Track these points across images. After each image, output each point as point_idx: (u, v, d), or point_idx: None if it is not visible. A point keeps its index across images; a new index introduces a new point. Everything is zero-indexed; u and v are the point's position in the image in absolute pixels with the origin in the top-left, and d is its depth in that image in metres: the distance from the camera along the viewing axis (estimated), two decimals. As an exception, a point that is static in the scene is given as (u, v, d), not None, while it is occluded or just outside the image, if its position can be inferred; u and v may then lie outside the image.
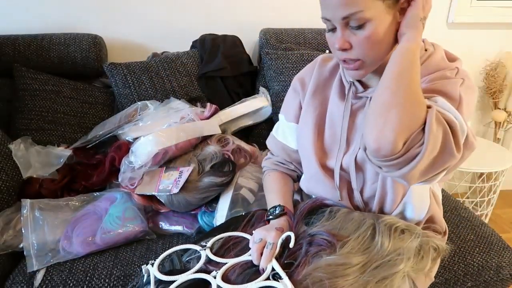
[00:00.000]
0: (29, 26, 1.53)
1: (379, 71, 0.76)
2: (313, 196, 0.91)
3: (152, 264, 0.76)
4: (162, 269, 0.77)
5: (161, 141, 1.09)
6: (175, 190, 1.03)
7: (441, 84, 0.69)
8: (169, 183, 1.06)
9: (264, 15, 1.70)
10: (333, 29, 0.71)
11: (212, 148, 1.15)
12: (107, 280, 0.95)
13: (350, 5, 0.65)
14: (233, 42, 1.59)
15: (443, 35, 1.89)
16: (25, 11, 1.53)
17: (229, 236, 0.83)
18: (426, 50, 0.77)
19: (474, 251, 1.05)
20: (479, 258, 1.04)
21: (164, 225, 1.13)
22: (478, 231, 1.11)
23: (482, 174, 1.82)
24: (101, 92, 1.50)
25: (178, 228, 1.12)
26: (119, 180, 1.11)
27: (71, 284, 0.93)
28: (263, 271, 0.70)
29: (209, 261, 0.76)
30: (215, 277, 0.71)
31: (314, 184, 0.89)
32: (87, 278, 0.95)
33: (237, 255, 0.76)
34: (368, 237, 0.73)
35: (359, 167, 0.81)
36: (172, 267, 0.78)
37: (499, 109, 1.97)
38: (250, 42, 1.71)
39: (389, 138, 0.61)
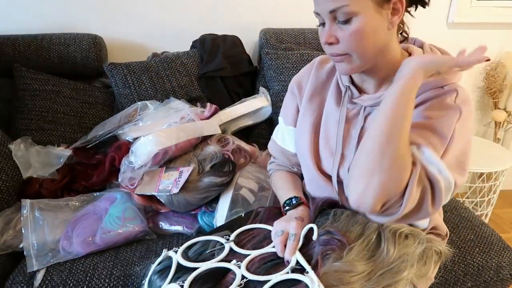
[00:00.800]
0: (29, 26, 1.53)
1: (373, 73, 0.76)
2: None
3: (176, 252, 0.76)
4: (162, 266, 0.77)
5: (161, 141, 1.09)
6: (175, 190, 1.03)
7: (436, 121, 0.69)
8: (169, 183, 1.06)
9: (264, 15, 1.70)
10: (323, 24, 0.71)
11: (212, 148, 1.15)
12: (107, 280, 0.95)
13: None
14: (233, 42, 1.59)
15: (443, 35, 1.88)
16: (25, 11, 1.53)
17: (246, 230, 0.83)
18: None
19: (474, 251, 1.05)
20: (479, 258, 1.04)
21: (164, 225, 1.13)
22: (478, 231, 1.11)
23: (482, 174, 1.82)
24: (101, 92, 1.50)
25: (178, 228, 1.12)
26: (119, 180, 1.11)
27: (71, 284, 0.93)
28: (288, 263, 0.71)
29: (228, 252, 0.77)
30: (239, 267, 0.71)
31: (315, 188, 0.89)
32: (87, 278, 0.95)
33: (254, 248, 0.76)
34: (373, 242, 0.73)
35: None
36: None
37: (499, 109, 1.97)
38: (250, 42, 1.71)
39: (369, 203, 0.66)
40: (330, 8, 0.67)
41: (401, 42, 0.78)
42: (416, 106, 0.72)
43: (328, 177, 0.84)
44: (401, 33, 0.77)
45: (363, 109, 0.79)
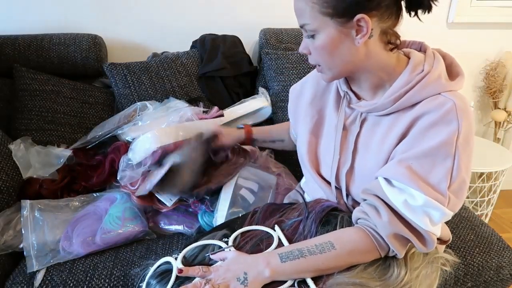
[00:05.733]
0: (29, 26, 1.53)
1: (363, 82, 0.77)
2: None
3: (176, 258, 0.76)
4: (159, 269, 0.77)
5: (159, 139, 1.09)
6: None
7: (428, 168, 0.67)
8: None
9: (264, 15, 1.69)
10: None
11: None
12: (107, 280, 0.95)
13: (299, 17, 0.72)
14: (233, 42, 1.59)
15: (443, 35, 1.88)
16: (25, 11, 1.53)
17: (244, 231, 0.83)
18: (422, 70, 0.71)
19: (474, 251, 1.05)
20: (479, 258, 1.04)
21: (164, 225, 1.13)
22: (478, 231, 1.11)
23: (482, 174, 1.82)
24: (101, 92, 1.50)
25: (178, 227, 1.12)
26: (118, 177, 1.10)
27: (71, 284, 0.93)
28: None
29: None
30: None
31: (315, 189, 0.89)
32: (87, 278, 0.95)
33: (252, 251, 0.76)
34: (381, 260, 0.73)
35: (349, 182, 0.81)
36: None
37: (499, 109, 1.97)
38: (250, 42, 1.71)
39: None
40: (299, 24, 0.73)
41: (392, 49, 0.74)
42: (414, 121, 0.70)
43: (327, 181, 0.85)
44: (389, 42, 0.73)
45: (360, 115, 0.79)
